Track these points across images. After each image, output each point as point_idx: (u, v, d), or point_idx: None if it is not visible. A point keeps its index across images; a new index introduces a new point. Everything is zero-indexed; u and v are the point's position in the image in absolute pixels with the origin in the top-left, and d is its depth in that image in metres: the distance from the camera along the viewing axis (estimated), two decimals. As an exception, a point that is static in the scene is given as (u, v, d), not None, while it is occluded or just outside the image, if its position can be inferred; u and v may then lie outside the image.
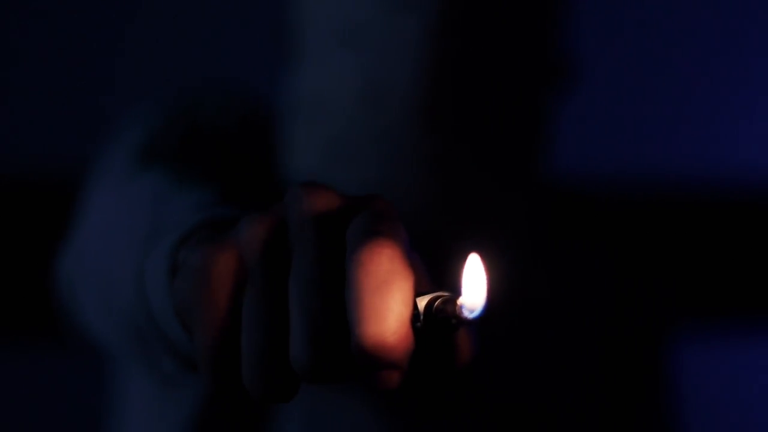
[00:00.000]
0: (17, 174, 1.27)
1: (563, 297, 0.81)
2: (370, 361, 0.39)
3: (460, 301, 0.41)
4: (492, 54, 0.72)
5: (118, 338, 0.57)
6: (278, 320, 0.41)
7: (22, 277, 1.26)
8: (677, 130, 1.36)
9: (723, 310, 1.38)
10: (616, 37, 1.31)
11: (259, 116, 0.81)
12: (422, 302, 0.41)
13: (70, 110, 1.27)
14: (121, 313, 0.53)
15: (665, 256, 1.29)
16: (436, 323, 0.41)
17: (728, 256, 1.36)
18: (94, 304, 0.60)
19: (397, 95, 0.71)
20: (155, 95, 0.82)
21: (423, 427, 0.76)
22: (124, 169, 0.69)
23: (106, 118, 0.85)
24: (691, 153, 1.36)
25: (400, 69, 0.71)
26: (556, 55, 0.76)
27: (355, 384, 0.73)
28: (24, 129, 1.28)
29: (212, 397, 0.71)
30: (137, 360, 0.62)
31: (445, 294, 0.42)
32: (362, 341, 0.39)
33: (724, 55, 1.36)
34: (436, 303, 0.41)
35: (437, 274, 0.44)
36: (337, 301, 0.40)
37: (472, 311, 0.41)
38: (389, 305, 0.39)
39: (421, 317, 0.41)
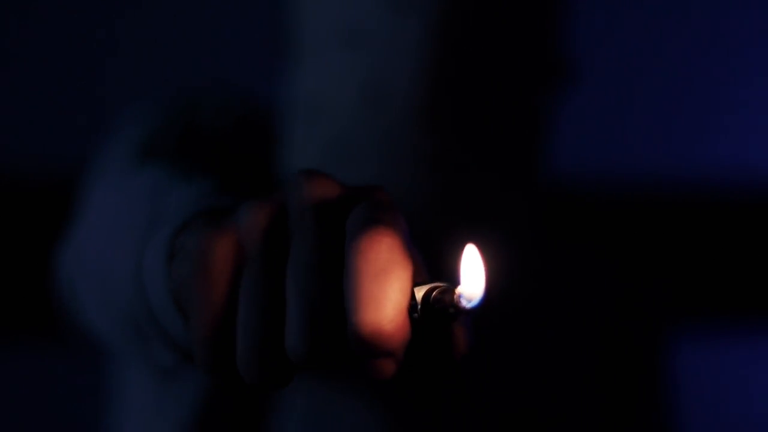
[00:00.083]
0: (17, 174, 1.27)
1: (562, 296, 0.81)
2: (366, 348, 0.40)
3: (458, 290, 0.41)
4: (492, 54, 0.72)
5: (117, 333, 0.57)
6: (275, 306, 0.41)
7: (21, 276, 1.26)
8: (677, 130, 1.36)
9: (722, 309, 1.38)
10: (615, 37, 1.32)
11: (258, 116, 0.81)
12: (420, 292, 0.42)
13: (69, 110, 1.27)
14: (120, 307, 0.53)
15: (664, 256, 1.30)
16: (434, 313, 0.41)
17: (728, 256, 1.36)
18: (93, 299, 0.60)
19: (397, 95, 0.71)
20: (154, 95, 0.82)
21: (422, 427, 0.76)
22: (123, 166, 0.69)
23: (106, 118, 0.85)
24: (691, 153, 1.36)
25: (401, 69, 0.71)
26: (555, 55, 0.76)
27: (355, 383, 0.73)
28: (24, 129, 1.28)
29: (211, 395, 0.71)
30: (136, 355, 0.62)
31: (443, 284, 0.42)
32: (359, 328, 0.39)
33: (724, 55, 1.36)
34: (434, 293, 0.42)
35: (436, 273, 0.44)
36: (335, 289, 0.40)
37: (470, 301, 0.41)
38: (387, 293, 0.39)
39: (419, 307, 0.41)
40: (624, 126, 1.34)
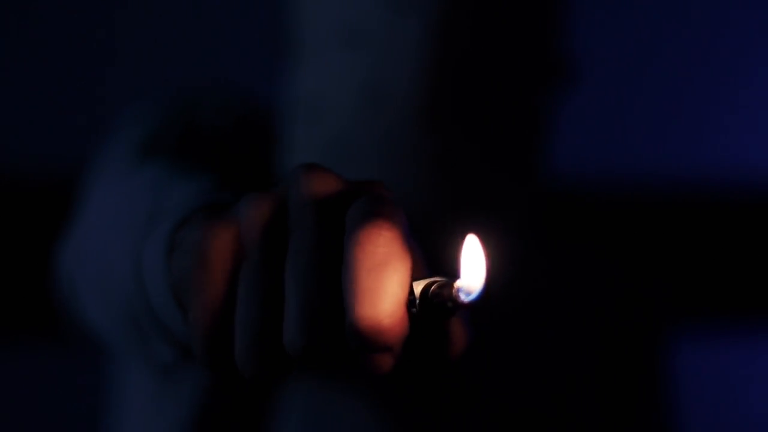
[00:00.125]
0: (17, 174, 1.27)
1: (562, 296, 0.81)
2: (364, 342, 0.39)
3: (457, 284, 0.41)
4: (492, 54, 0.72)
5: (117, 331, 0.57)
6: (274, 300, 0.41)
7: (21, 276, 1.26)
8: (676, 130, 1.36)
9: (722, 309, 1.38)
10: (615, 37, 1.32)
11: (258, 116, 0.81)
12: (418, 287, 0.41)
13: (69, 110, 1.27)
14: (120, 304, 0.53)
15: (664, 255, 1.30)
16: (432, 307, 0.41)
17: (728, 256, 1.36)
18: (93, 297, 0.60)
19: (397, 95, 0.71)
20: (154, 95, 0.82)
21: (422, 427, 0.76)
22: (123, 164, 0.69)
23: (106, 118, 0.85)
24: (691, 153, 1.36)
25: (401, 69, 0.71)
26: (555, 55, 0.76)
27: (355, 383, 0.73)
28: (24, 129, 1.28)
29: (211, 395, 0.71)
30: (136, 353, 0.62)
31: (442, 279, 0.42)
32: (357, 322, 0.39)
33: (724, 55, 1.36)
34: (432, 287, 0.42)
35: (436, 271, 0.44)
36: (333, 283, 0.40)
37: (468, 294, 0.41)
38: (385, 287, 0.39)
39: (417, 301, 0.41)
40: (624, 126, 1.34)
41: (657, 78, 1.35)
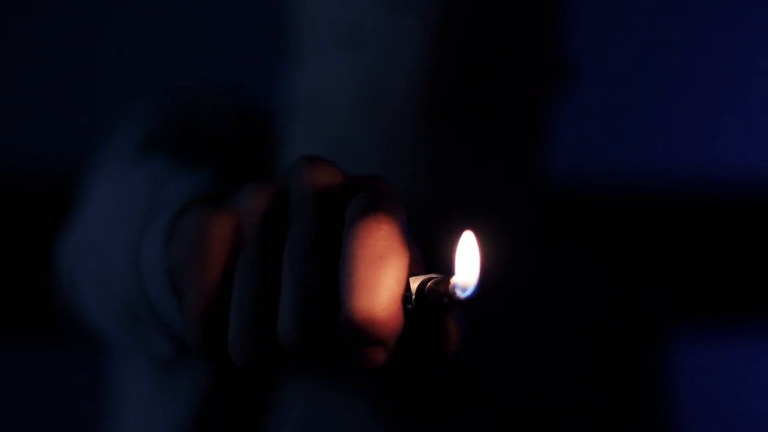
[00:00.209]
0: (17, 174, 1.28)
1: (562, 296, 0.81)
2: (358, 335, 0.40)
3: (453, 280, 0.41)
4: (491, 54, 0.73)
5: (116, 325, 0.57)
6: (269, 290, 0.41)
7: (21, 277, 1.26)
8: (676, 130, 1.36)
9: (721, 310, 1.38)
10: (615, 37, 1.32)
11: (258, 116, 0.81)
12: (415, 283, 0.42)
13: (69, 110, 1.27)
14: (118, 297, 0.53)
15: (664, 255, 1.30)
16: (428, 303, 0.41)
17: (728, 256, 1.36)
18: (92, 291, 0.60)
19: (397, 95, 0.71)
20: (154, 95, 0.82)
21: (421, 427, 0.76)
22: (123, 162, 0.69)
23: (106, 118, 0.85)
24: (691, 152, 1.36)
25: (400, 69, 0.71)
26: (555, 55, 0.76)
27: (354, 383, 0.73)
28: (24, 129, 1.28)
29: (210, 394, 0.71)
30: (134, 347, 0.62)
31: (438, 276, 0.42)
32: (352, 314, 0.39)
33: (724, 55, 1.36)
34: (429, 283, 0.42)
35: (433, 269, 0.44)
36: (330, 276, 0.40)
37: (464, 290, 0.41)
38: (382, 280, 0.39)
39: (413, 297, 0.41)
40: (622, 126, 1.34)
41: (656, 78, 1.35)
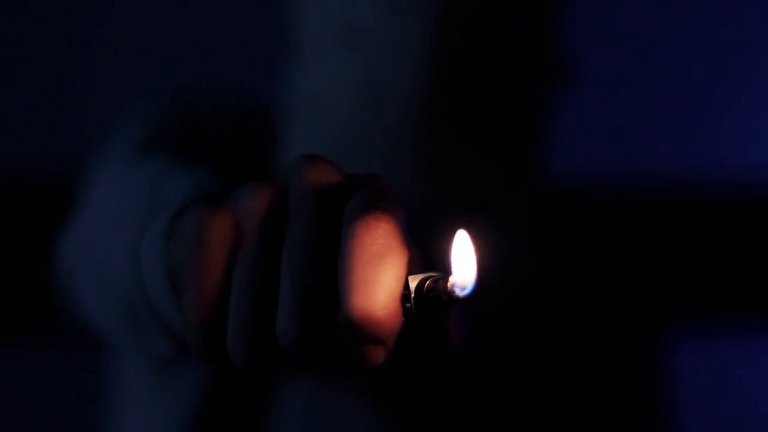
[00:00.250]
0: (17, 174, 1.28)
1: (561, 296, 0.81)
2: (356, 334, 0.40)
3: (452, 279, 0.41)
4: (491, 54, 0.73)
5: (116, 325, 0.57)
6: (268, 288, 0.41)
7: (21, 277, 1.26)
8: (676, 130, 1.36)
9: (721, 310, 1.38)
10: (615, 37, 1.32)
11: (258, 116, 0.81)
12: (414, 282, 0.42)
13: (69, 110, 1.27)
14: (118, 297, 0.53)
15: (664, 255, 1.29)
16: (427, 302, 0.41)
17: (727, 256, 1.36)
18: (92, 291, 0.60)
19: (397, 95, 0.71)
20: (154, 95, 0.82)
21: (421, 428, 0.76)
22: (123, 160, 0.70)
23: (106, 118, 0.85)
24: (690, 153, 1.36)
25: (400, 69, 0.71)
26: (555, 55, 0.76)
27: (354, 383, 0.73)
28: (24, 129, 1.28)
29: (209, 394, 0.71)
30: (134, 347, 0.62)
31: (437, 275, 0.42)
32: (350, 313, 0.39)
33: (723, 55, 1.36)
34: (427, 282, 0.42)
35: (432, 268, 0.44)
36: (329, 275, 0.40)
37: (463, 289, 0.41)
38: (381, 278, 0.39)
39: (412, 296, 0.41)
40: (623, 126, 1.34)
41: (656, 78, 1.35)
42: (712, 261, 1.36)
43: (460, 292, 0.41)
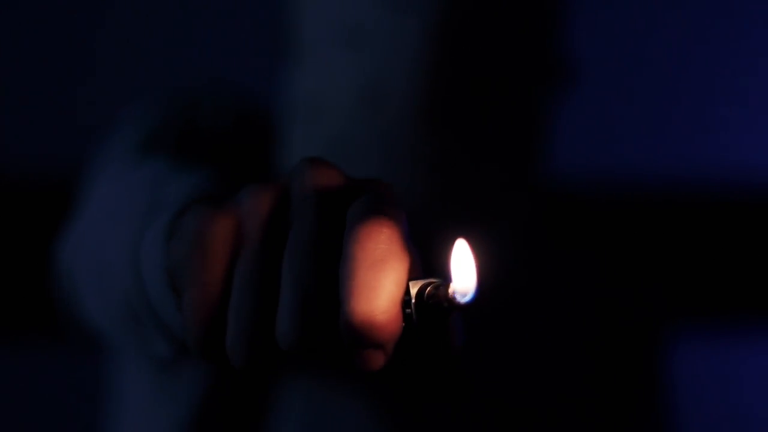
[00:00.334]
0: (17, 174, 1.28)
1: (561, 296, 0.81)
2: (357, 338, 0.40)
3: (453, 285, 0.41)
4: (491, 54, 0.73)
5: (116, 326, 0.57)
6: (269, 291, 0.41)
7: (21, 277, 1.26)
8: (676, 130, 1.36)
9: (721, 309, 1.38)
10: (615, 37, 1.32)
11: (258, 116, 0.81)
12: (415, 288, 0.42)
13: (69, 110, 1.27)
14: (118, 298, 0.53)
15: (663, 255, 1.29)
16: (428, 308, 0.41)
17: (727, 256, 1.36)
18: (92, 291, 0.60)
19: (396, 95, 0.71)
20: (154, 95, 0.82)
21: (421, 428, 0.76)
22: (123, 161, 0.70)
23: (106, 118, 0.85)
24: (690, 153, 1.36)
25: (400, 69, 0.71)
26: (555, 55, 0.76)
27: (353, 384, 0.73)
28: (24, 129, 1.28)
29: (209, 394, 0.71)
30: (133, 348, 0.62)
31: (438, 281, 0.42)
32: (350, 316, 0.39)
33: (723, 55, 1.36)
34: (428, 288, 0.42)
35: (434, 272, 0.44)
36: (330, 278, 0.40)
37: (464, 296, 0.41)
38: (382, 283, 0.39)
39: (413, 302, 0.41)
40: (623, 126, 1.34)
41: (656, 78, 1.35)
42: (712, 261, 1.36)
43: (461, 299, 0.41)
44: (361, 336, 0.39)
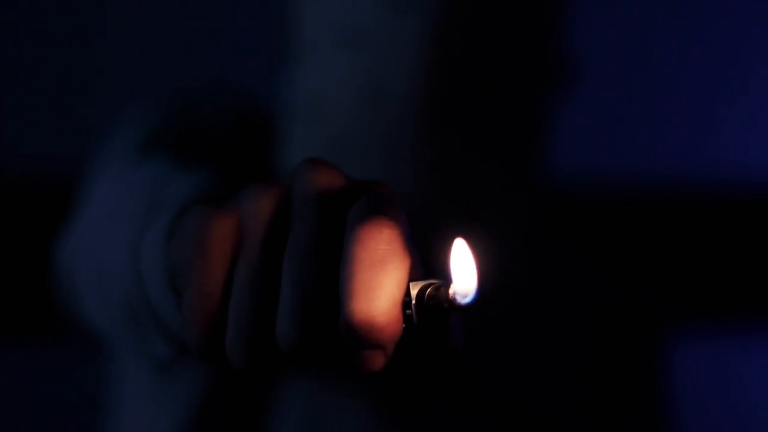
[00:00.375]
0: (17, 174, 1.28)
1: (561, 296, 0.81)
2: (356, 338, 0.39)
3: (453, 286, 0.41)
4: (491, 54, 0.73)
5: (115, 326, 0.57)
6: (269, 291, 0.41)
7: (21, 277, 1.26)
8: (676, 130, 1.36)
9: (721, 310, 1.38)
10: (615, 37, 1.32)
11: (258, 116, 0.81)
12: (415, 288, 0.42)
13: (69, 110, 1.27)
14: (118, 298, 0.53)
15: (663, 255, 1.29)
16: (428, 309, 0.41)
17: (727, 256, 1.36)
18: (92, 291, 0.60)
19: (397, 95, 0.71)
20: (154, 95, 0.82)
21: (420, 428, 0.76)
22: (123, 161, 0.70)
23: (106, 118, 0.85)
24: (690, 153, 1.36)
25: (400, 69, 0.71)
26: (555, 55, 0.76)
27: (353, 384, 0.73)
28: (24, 129, 1.28)
29: (209, 395, 0.71)
30: (133, 348, 0.62)
31: (439, 281, 0.42)
32: (350, 317, 0.39)
33: (723, 55, 1.36)
34: (429, 289, 0.42)
35: (434, 273, 0.44)
36: (330, 279, 0.40)
37: (464, 297, 0.41)
38: (382, 284, 0.39)
39: (413, 303, 0.41)
40: (623, 126, 1.34)
41: (656, 78, 1.35)
42: (712, 261, 1.36)
43: (462, 301, 0.41)
44: (361, 337, 0.39)
